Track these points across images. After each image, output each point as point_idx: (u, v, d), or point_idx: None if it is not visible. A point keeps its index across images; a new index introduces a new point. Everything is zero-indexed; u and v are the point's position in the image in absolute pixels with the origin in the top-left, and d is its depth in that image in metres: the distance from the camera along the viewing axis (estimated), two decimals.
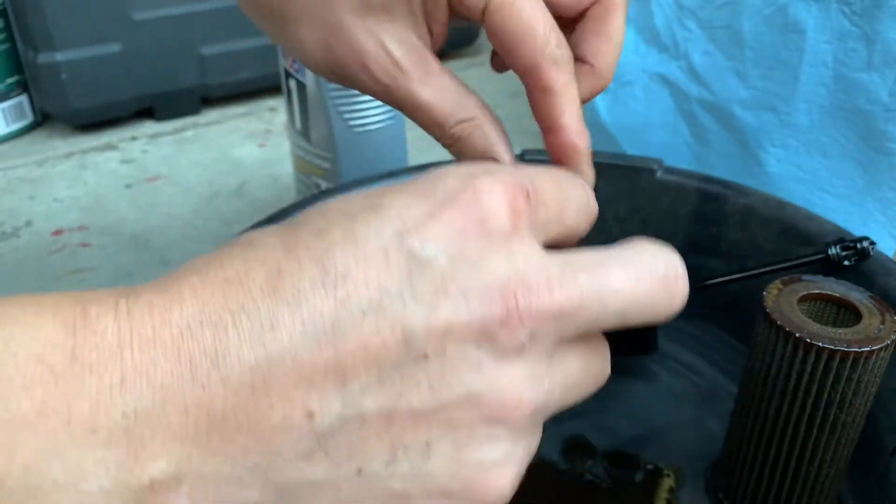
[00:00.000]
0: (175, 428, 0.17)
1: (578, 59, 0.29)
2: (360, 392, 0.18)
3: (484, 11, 0.26)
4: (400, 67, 0.26)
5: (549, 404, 0.20)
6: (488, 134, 0.27)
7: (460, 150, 0.27)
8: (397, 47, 0.26)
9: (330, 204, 0.20)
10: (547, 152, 0.28)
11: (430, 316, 0.18)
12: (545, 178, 0.21)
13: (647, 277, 0.20)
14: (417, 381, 0.18)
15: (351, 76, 0.27)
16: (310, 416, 0.17)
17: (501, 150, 0.27)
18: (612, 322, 0.20)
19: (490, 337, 0.18)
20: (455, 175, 0.20)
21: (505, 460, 0.19)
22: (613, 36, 0.29)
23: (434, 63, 0.27)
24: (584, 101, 0.29)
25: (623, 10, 0.30)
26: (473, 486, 0.19)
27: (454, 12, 0.27)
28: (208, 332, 0.17)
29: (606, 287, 0.20)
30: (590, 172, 0.28)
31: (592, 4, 0.29)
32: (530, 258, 0.19)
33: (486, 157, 0.27)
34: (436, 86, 0.26)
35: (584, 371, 0.21)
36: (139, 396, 0.16)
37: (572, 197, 0.22)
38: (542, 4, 0.26)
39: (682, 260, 0.22)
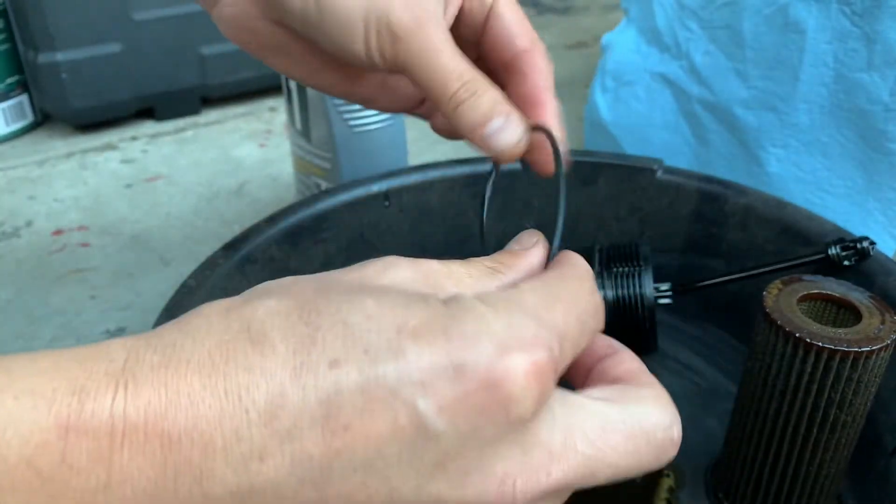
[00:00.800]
0: None
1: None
2: None
3: (493, 5, 0.30)
4: (432, 13, 0.28)
5: None
6: (498, 95, 0.28)
7: (474, 104, 0.28)
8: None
9: (353, 315, 0.19)
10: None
11: (421, 486, 0.18)
12: (573, 323, 0.21)
13: (643, 450, 0.21)
14: None
15: (386, 16, 0.27)
16: None
17: (511, 108, 0.28)
18: (593, 485, 0.21)
19: None
20: (489, 340, 0.18)
21: None
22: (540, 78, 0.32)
23: (447, 28, 0.28)
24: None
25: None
26: None
27: (464, 9, 0.30)
28: (197, 450, 0.17)
29: (602, 462, 0.20)
30: (561, 143, 0.29)
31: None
32: (538, 437, 0.19)
33: (502, 111, 0.27)
34: (453, 44, 0.28)
35: None
36: (121, 501, 0.17)
37: (588, 325, 0.22)
38: None
39: (680, 425, 0.22)
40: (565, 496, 0.20)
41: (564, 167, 0.26)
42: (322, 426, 0.17)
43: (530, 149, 0.28)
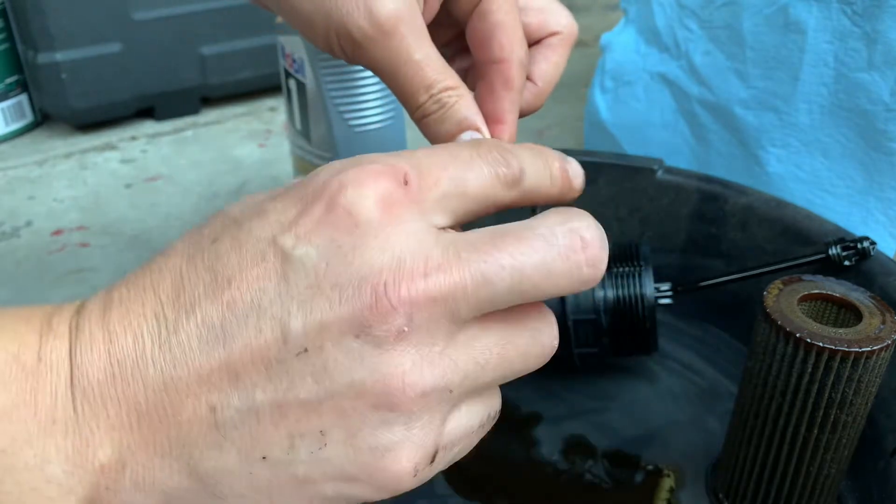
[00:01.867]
0: (113, 419, 0.19)
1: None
2: (251, 387, 0.19)
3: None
4: (402, 17, 0.26)
5: (451, 384, 0.20)
6: (472, 105, 0.27)
7: (443, 117, 0.27)
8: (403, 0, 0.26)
9: (232, 207, 0.22)
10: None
11: (306, 313, 0.19)
12: (434, 157, 0.22)
13: (541, 248, 0.20)
14: (302, 375, 0.19)
15: (346, 21, 0.26)
16: (212, 410, 0.19)
17: (481, 121, 0.27)
18: (509, 300, 0.20)
19: (364, 327, 0.19)
20: (325, 171, 0.21)
21: (399, 444, 0.20)
22: (559, 65, 0.32)
23: (426, 30, 0.27)
24: (521, 115, 0.30)
25: (570, 48, 0.32)
26: (371, 469, 0.20)
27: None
28: (129, 337, 0.20)
29: (491, 264, 0.20)
30: None
31: (549, 35, 0.31)
32: (408, 244, 0.20)
33: (469, 126, 0.27)
34: (429, 47, 0.27)
35: (507, 347, 0.21)
36: (84, 392, 0.19)
37: (472, 168, 0.22)
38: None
39: (599, 227, 0.21)
40: (474, 305, 0.20)
41: None
42: (213, 288, 0.20)
43: None
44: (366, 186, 0.20)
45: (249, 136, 0.83)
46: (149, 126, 0.85)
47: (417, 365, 0.19)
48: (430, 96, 0.26)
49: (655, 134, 0.58)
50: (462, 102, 0.27)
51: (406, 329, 0.19)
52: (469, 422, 0.22)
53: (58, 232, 0.66)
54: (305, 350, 0.19)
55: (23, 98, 0.82)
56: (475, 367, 0.21)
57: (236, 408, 0.19)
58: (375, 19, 0.25)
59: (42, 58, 0.76)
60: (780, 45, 0.49)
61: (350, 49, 0.27)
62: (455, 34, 0.32)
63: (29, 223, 0.67)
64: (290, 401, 0.19)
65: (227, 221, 0.21)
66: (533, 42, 0.32)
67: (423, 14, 0.28)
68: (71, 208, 0.70)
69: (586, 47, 1.08)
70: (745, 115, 0.52)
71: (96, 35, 0.77)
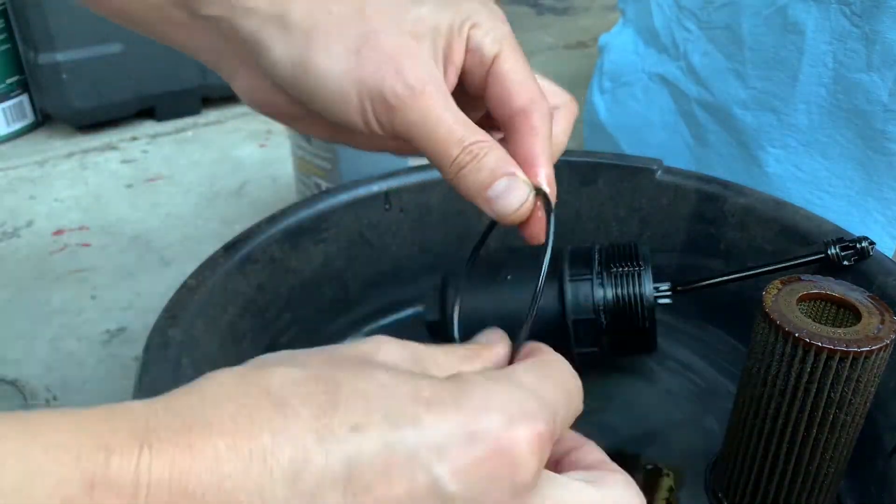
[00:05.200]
0: None
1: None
2: None
3: (496, 57, 0.28)
4: (431, 79, 0.27)
5: None
6: (502, 153, 0.27)
7: (477, 167, 0.27)
8: (426, 61, 0.27)
9: (373, 382, 0.20)
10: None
11: None
12: (563, 405, 0.23)
13: None
14: None
15: (379, 85, 0.27)
16: None
17: (516, 168, 0.27)
18: None
19: None
20: (498, 410, 0.20)
21: None
22: (566, 132, 0.32)
23: (450, 94, 0.28)
24: (571, 128, 0.32)
25: (574, 120, 0.33)
26: None
27: (464, 67, 0.29)
28: None
29: None
30: (552, 200, 0.29)
31: (553, 109, 0.31)
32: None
33: (504, 173, 0.27)
34: (455, 107, 0.28)
35: None
36: None
37: (573, 404, 0.24)
38: None
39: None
40: None
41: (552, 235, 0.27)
42: (344, 487, 0.18)
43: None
44: (535, 451, 0.20)
45: (250, 137, 0.83)
46: (149, 126, 0.85)
47: None
48: (463, 148, 0.27)
49: (654, 134, 0.58)
50: (493, 153, 0.27)
51: None
52: None
53: (59, 232, 0.66)
54: None
55: (24, 98, 0.82)
56: None
57: None
58: (407, 82, 0.27)
59: (43, 58, 0.76)
60: (779, 45, 0.49)
61: (385, 114, 0.27)
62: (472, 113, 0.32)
63: (30, 223, 0.67)
64: None
65: (370, 407, 0.20)
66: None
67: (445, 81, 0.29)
68: (72, 208, 0.70)
69: (585, 48, 1.08)
70: (743, 116, 0.52)
71: (97, 35, 0.77)
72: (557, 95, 0.32)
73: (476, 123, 0.28)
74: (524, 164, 0.28)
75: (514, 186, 0.27)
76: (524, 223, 0.28)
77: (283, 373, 0.20)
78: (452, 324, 0.33)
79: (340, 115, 0.28)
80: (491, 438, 0.20)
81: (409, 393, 0.20)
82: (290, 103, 0.30)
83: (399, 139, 0.28)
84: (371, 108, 0.27)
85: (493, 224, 0.30)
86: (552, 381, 0.23)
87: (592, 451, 0.26)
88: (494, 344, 0.26)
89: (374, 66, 0.27)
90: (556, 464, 0.25)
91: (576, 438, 0.26)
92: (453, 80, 0.29)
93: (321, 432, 0.19)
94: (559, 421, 0.22)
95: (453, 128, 0.27)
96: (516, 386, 0.22)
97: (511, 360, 0.26)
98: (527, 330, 0.26)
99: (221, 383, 0.20)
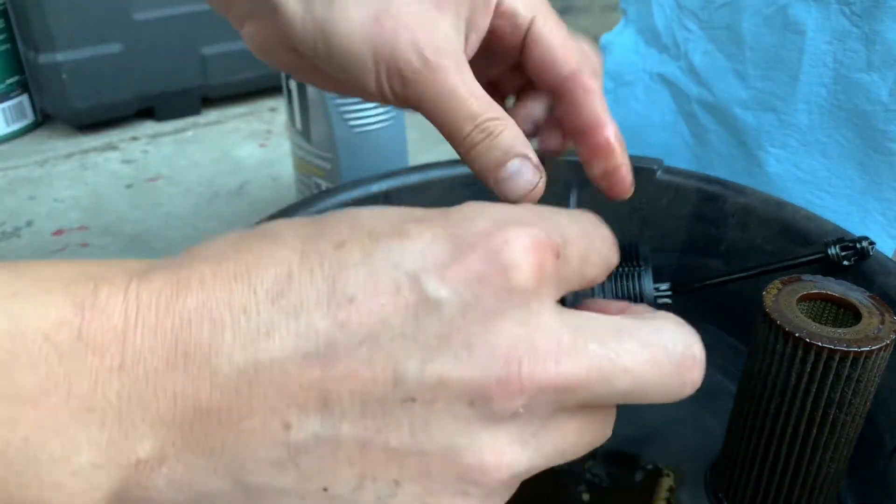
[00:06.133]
0: (163, 413, 0.17)
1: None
2: (339, 416, 0.18)
3: (531, 23, 0.28)
4: (446, 51, 0.27)
5: (531, 468, 0.20)
6: (517, 133, 0.27)
7: (489, 146, 0.27)
8: (446, 33, 0.27)
9: (359, 213, 0.20)
10: (580, 156, 0.29)
11: (427, 363, 0.18)
12: (576, 231, 0.21)
13: (662, 361, 0.20)
14: (399, 422, 0.18)
15: (393, 53, 0.27)
16: (286, 427, 0.18)
17: (529, 149, 0.27)
18: (615, 400, 0.20)
19: (485, 398, 0.18)
20: (487, 217, 0.19)
21: None
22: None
23: (467, 63, 0.28)
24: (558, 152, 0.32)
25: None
26: None
27: (494, 33, 0.29)
28: (206, 327, 0.17)
29: (616, 365, 0.19)
30: (627, 163, 0.29)
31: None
32: (544, 321, 0.19)
33: (516, 154, 0.27)
34: (472, 80, 0.27)
35: (579, 438, 0.21)
36: (134, 380, 0.17)
37: (597, 250, 0.21)
38: None
39: (702, 346, 0.21)
40: (582, 399, 0.19)
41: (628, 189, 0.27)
42: (328, 300, 0.18)
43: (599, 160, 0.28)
44: (529, 252, 0.18)
45: (250, 137, 0.83)
46: (149, 126, 0.85)
47: (514, 447, 0.19)
48: (476, 126, 0.27)
49: (655, 134, 0.58)
50: (508, 131, 0.27)
51: (521, 411, 0.18)
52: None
53: (59, 232, 0.66)
54: (413, 399, 0.18)
55: (24, 98, 0.82)
56: (555, 453, 0.20)
57: (314, 433, 0.18)
58: (423, 54, 0.26)
59: (43, 58, 0.76)
60: (780, 45, 0.49)
61: (399, 85, 0.27)
62: (498, 73, 0.32)
63: (30, 223, 0.67)
64: (376, 443, 0.18)
65: (356, 228, 0.19)
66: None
67: (465, 50, 0.29)
68: (72, 208, 0.70)
69: None
70: (744, 116, 0.52)
71: (97, 35, 0.77)
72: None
73: (494, 81, 0.28)
74: (588, 126, 0.28)
75: (525, 170, 0.27)
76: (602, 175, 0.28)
77: (280, 221, 0.20)
78: None
79: (355, 80, 0.28)
80: (478, 239, 0.18)
81: (399, 214, 0.20)
82: (299, 59, 0.30)
83: (409, 107, 0.28)
84: (386, 77, 0.27)
85: None
86: (568, 214, 0.21)
87: (640, 308, 0.23)
88: None
89: (391, 35, 0.27)
90: None
91: (625, 304, 0.24)
92: (475, 46, 0.29)
93: (306, 254, 0.18)
94: (574, 249, 0.20)
95: (467, 103, 0.27)
96: (517, 206, 0.20)
97: None
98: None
99: (225, 234, 0.20)
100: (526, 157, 0.27)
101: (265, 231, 0.20)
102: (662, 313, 0.21)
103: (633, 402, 0.20)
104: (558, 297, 0.20)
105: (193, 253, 0.19)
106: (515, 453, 0.19)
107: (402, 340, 0.18)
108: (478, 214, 0.19)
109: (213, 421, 0.17)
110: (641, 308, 0.23)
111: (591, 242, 0.21)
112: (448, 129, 0.27)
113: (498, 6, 0.28)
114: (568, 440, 0.20)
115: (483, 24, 0.28)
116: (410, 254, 0.18)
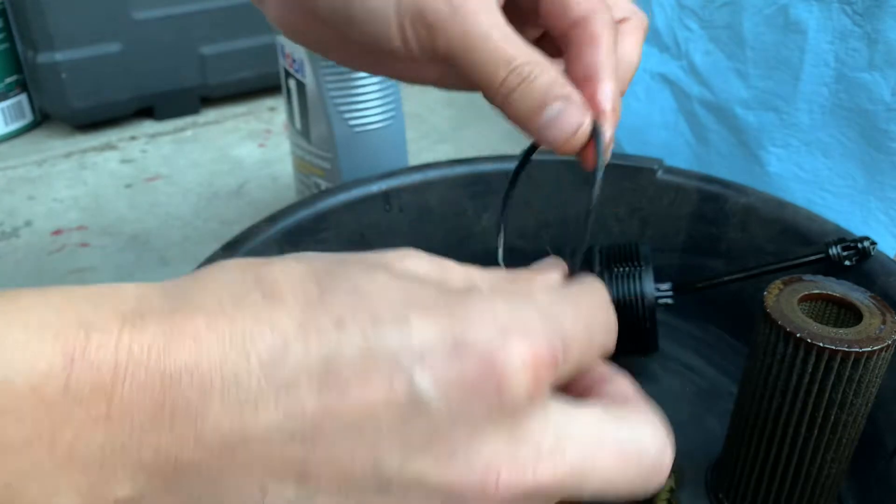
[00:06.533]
0: (145, 463, 0.17)
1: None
2: (315, 491, 0.18)
3: None
4: None
5: None
6: (557, 75, 0.25)
7: (527, 90, 0.25)
8: None
9: (367, 282, 0.19)
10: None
11: (407, 460, 0.18)
12: (580, 328, 0.20)
13: (635, 468, 0.20)
14: None
15: (416, 3, 0.25)
16: (262, 490, 0.18)
17: (572, 90, 0.25)
18: (580, 498, 0.20)
19: (459, 501, 0.18)
20: (493, 323, 0.19)
21: None
22: (636, 51, 0.29)
23: (500, 9, 0.26)
24: (642, 44, 0.29)
25: (645, 34, 0.30)
26: None
27: None
28: (195, 391, 0.17)
29: (592, 470, 0.19)
30: (610, 130, 0.27)
31: (620, 22, 0.29)
32: (529, 428, 0.19)
33: (557, 96, 0.25)
34: (505, 24, 0.26)
35: None
36: (119, 433, 0.17)
37: (597, 343, 0.21)
38: None
39: (673, 449, 0.21)
40: (552, 498, 0.19)
41: (604, 162, 0.24)
42: (319, 382, 0.17)
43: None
44: (528, 369, 0.18)
45: (249, 136, 0.83)
46: (148, 126, 0.85)
47: None
48: (512, 70, 0.25)
49: (656, 134, 0.58)
50: (546, 74, 0.25)
51: None
52: None
53: (57, 232, 0.66)
54: (388, 490, 0.18)
55: (22, 98, 0.82)
56: None
57: (289, 500, 0.18)
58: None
59: (42, 58, 0.75)
60: (781, 44, 0.49)
61: (425, 34, 0.26)
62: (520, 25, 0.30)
63: (28, 223, 0.67)
64: None
65: (359, 306, 0.19)
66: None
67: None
68: (70, 208, 0.70)
69: None
70: (745, 115, 0.52)
71: (96, 35, 0.77)
72: (622, 7, 0.30)
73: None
74: (583, 78, 0.26)
75: (568, 111, 0.25)
76: (582, 150, 0.26)
77: (286, 265, 0.19)
78: (498, 251, 0.30)
79: (379, 38, 0.27)
80: (478, 349, 0.18)
81: (405, 295, 0.19)
82: (320, 28, 0.29)
83: (441, 63, 0.26)
84: (411, 28, 0.26)
85: (534, 146, 0.27)
86: (573, 307, 0.21)
87: (623, 384, 0.23)
88: (545, 269, 0.24)
89: None
90: (582, 395, 0.23)
91: (606, 370, 0.24)
92: None
93: (305, 324, 0.18)
94: (574, 352, 0.20)
95: (500, 46, 0.25)
96: (526, 302, 0.20)
97: None
98: (580, 256, 0.24)
99: (224, 269, 0.19)
100: (567, 98, 0.25)
101: (266, 282, 0.19)
102: (648, 413, 0.22)
103: (595, 500, 0.20)
104: (551, 392, 0.20)
105: (191, 292, 0.19)
106: None
107: (387, 436, 0.18)
108: (484, 316, 0.19)
109: (191, 473, 0.18)
110: (632, 394, 0.23)
111: (591, 337, 0.21)
112: (482, 77, 0.26)
113: None
114: None
115: None
116: (409, 350, 0.18)
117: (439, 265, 0.22)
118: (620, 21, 0.29)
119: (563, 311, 0.20)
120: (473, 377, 0.18)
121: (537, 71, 0.25)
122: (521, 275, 0.24)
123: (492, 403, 0.18)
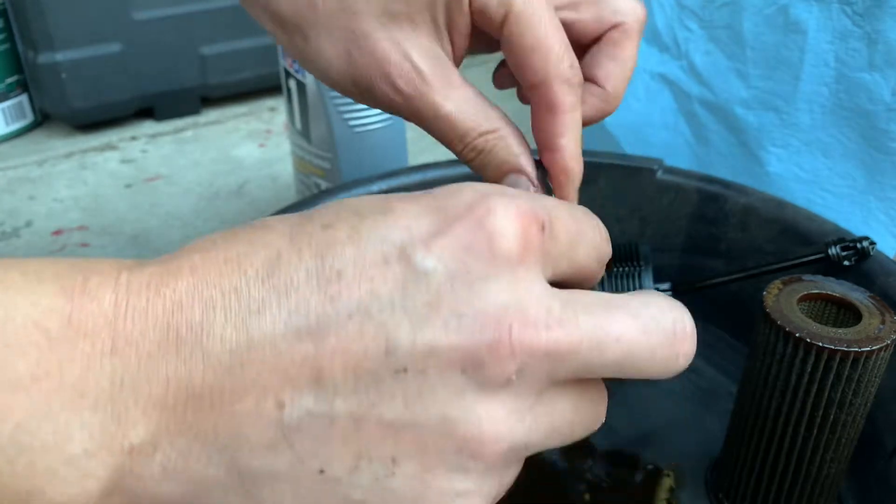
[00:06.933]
0: (155, 397, 0.17)
1: (589, 81, 0.29)
2: (332, 392, 0.18)
3: (503, 22, 0.26)
4: (423, 77, 0.26)
5: (529, 444, 0.19)
6: (511, 146, 0.26)
7: (483, 162, 0.26)
8: (420, 57, 0.26)
9: (346, 200, 0.20)
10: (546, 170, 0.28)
11: (417, 332, 0.18)
12: (562, 212, 0.20)
13: (652, 331, 0.19)
14: (393, 394, 0.18)
15: (371, 87, 0.27)
16: (280, 406, 0.18)
17: (525, 161, 0.26)
18: (608, 372, 0.19)
19: (477, 364, 0.18)
20: (471, 190, 0.19)
21: (470, 494, 0.19)
22: (627, 62, 0.30)
23: (456, 75, 0.27)
24: (591, 122, 0.29)
25: (638, 38, 0.30)
26: None
27: (475, 25, 0.27)
28: (198, 309, 0.18)
29: (608, 334, 0.19)
30: (574, 198, 0.28)
31: (610, 29, 0.30)
32: (533, 290, 0.18)
33: (510, 169, 0.26)
34: (458, 97, 0.26)
35: (574, 416, 0.20)
36: (126, 365, 0.17)
37: (587, 236, 0.21)
38: (560, 25, 0.26)
39: (692, 321, 0.21)
40: (576, 369, 0.19)
41: None
42: (317, 276, 0.18)
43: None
44: (513, 220, 0.18)
45: (249, 136, 0.83)
46: (149, 126, 0.85)
47: (510, 419, 0.18)
48: (466, 145, 0.26)
49: (655, 134, 0.58)
50: (501, 145, 0.26)
51: (514, 378, 0.18)
52: (513, 480, 0.21)
53: (58, 232, 0.66)
54: (405, 370, 0.18)
55: (23, 98, 0.82)
56: (550, 430, 0.20)
57: (308, 410, 0.18)
58: (396, 86, 0.26)
59: (42, 58, 0.76)
60: (781, 44, 0.49)
61: (390, 109, 0.27)
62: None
63: (29, 223, 0.67)
64: (371, 418, 0.18)
65: (343, 210, 0.19)
66: (592, 40, 0.30)
67: (455, 55, 0.28)
68: (71, 208, 0.70)
69: None
70: (745, 115, 0.52)
71: (96, 35, 0.77)
72: (614, 4, 0.29)
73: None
74: (541, 146, 0.27)
75: (520, 184, 0.26)
76: None
77: (271, 216, 0.20)
78: None
79: (355, 101, 0.28)
80: (462, 210, 0.19)
81: (385, 196, 0.20)
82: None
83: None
84: (375, 104, 0.27)
85: None
86: (556, 199, 0.21)
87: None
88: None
89: (364, 70, 0.26)
90: None
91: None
92: (462, 47, 0.28)
93: (294, 234, 0.19)
94: (561, 231, 0.20)
95: (455, 124, 0.26)
96: (507, 189, 0.20)
97: None
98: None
99: (217, 232, 0.20)
100: (520, 170, 0.26)
101: (254, 223, 0.20)
102: (649, 291, 0.21)
103: (627, 376, 0.20)
104: (548, 276, 0.20)
105: (186, 247, 0.19)
106: (511, 424, 0.19)
107: (391, 311, 0.18)
108: (463, 188, 0.20)
109: (205, 404, 0.17)
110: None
111: (579, 225, 0.21)
112: (444, 143, 0.27)
113: (471, 2, 0.26)
114: (564, 417, 0.20)
115: (463, 25, 0.27)
116: (396, 228, 0.18)
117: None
118: (614, 27, 0.29)
119: (546, 198, 0.21)
120: (462, 236, 0.18)
121: (492, 143, 0.26)
122: None
123: (486, 257, 0.18)
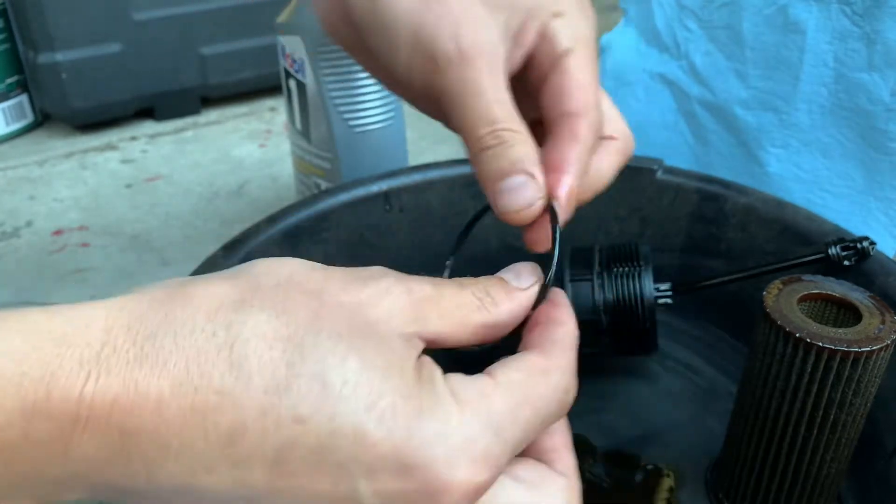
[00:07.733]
0: (96, 486, 0.19)
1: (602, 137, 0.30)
2: None
3: (568, 52, 0.27)
4: (483, 50, 0.26)
5: None
6: (530, 150, 0.26)
7: (499, 153, 0.26)
8: (489, 34, 0.26)
9: (338, 369, 0.20)
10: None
11: None
12: (532, 429, 0.22)
13: None
14: None
15: (433, 40, 0.26)
16: None
17: (537, 171, 0.26)
18: None
19: None
20: (444, 449, 0.20)
21: None
22: (611, 170, 0.30)
23: (504, 73, 0.27)
24: (619, 168, 0.30)
25: (627, 159, 0.31)
26: None
27: (529, 50, 0.28)
28: (154, 448, 0.19)
29: None
30: (562, 218, 0.27)
31: (608, 139, 0.30)
32: None
33: (522, 168, 0.26)
34: (503, 86, 0.26)
35: None
36: (74, 467, 0.19)
37: (549, 420, 0.23)
38: None
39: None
40: None
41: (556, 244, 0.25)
42: (271, 466, 0.19)
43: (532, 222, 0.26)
44: (467, 498, 0.20)
45: (250, 137, 0.83)
46: (149, 126, 0.85)
47: None
48: (492, 130, 0.26)
49: (655, 134, 0.58)
50: (522, 146, 0.26)
51: None
52: None
53: (58, 232, 0.66)
54: None
55: (23, 98, 0.82)
56: None
57: None
58: (460, 44, 0.26)
59: (42, 58, 0.76)
60: (780, 45, 0.49)
61: (429, 69, 0.26)
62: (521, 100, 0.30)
63: (29, 223, 0.67)
64: None
65: (321, 405, 0.19)
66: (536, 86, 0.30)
67: (507, 60, 0.28)
68: (71, 208, 0.70)
69: None
70: (745, 116, 0.52)
71: (96, 35, 0.77)
72: (616, 126, 0.30)
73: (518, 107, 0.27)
74: (551, 166, 0.26)
75: (527, 187, 0.25)
76: (528, 227, 0.26)
77: (257, 322, 0.20)
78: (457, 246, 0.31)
79: (388, 57, 0.27)
80: (424, 477, 0.19)
81: (368, 399, 0.19)
82: (356, 34, 0.29)
83: (432, 102, 0.27)
84: (419, 60, 0.27)
85: (486, 207, 0.28)
86: (529, 407, 0.22)
87: (552, 435, 0.25)
88: (521, 292, 0.25)
89: (435, 19, 0.26)
90: None
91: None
92: (517, 62, 0.28)
93: (266, 411, 0.19)
94: (521, 446, 0.22)
95: (490, 105, 0.26)
96: (482, 416, 0.21)
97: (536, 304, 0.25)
98: (551, 277, 0.25)
99: (196, 311, 0.20)
100: (532, 175, 0.25)
101: (235, 351, 0.19)
102: (566, 481, 0.24)
103: None
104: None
105: (161, 338, 0.19)
106: None
107: None
108: (437, 439, 0.20)
109: (140, 497, 0.19)
110: (561, 446, 0.25)
111: (543, 424, 0.22)
112: (464, 127, 0.26)
113: (543, 28, 0.27)
114: None
115: (528, 43, 0.27)
116: (358, 461, 0.19)
117: (413, 300, 0.22)
118: (607, 137, 0.30)
119: (517, 419, 0.21)
120: (412, 499, 0.20)
121: (514, 140, 0.26)
122: (494, 295, 0.24)
123: None
